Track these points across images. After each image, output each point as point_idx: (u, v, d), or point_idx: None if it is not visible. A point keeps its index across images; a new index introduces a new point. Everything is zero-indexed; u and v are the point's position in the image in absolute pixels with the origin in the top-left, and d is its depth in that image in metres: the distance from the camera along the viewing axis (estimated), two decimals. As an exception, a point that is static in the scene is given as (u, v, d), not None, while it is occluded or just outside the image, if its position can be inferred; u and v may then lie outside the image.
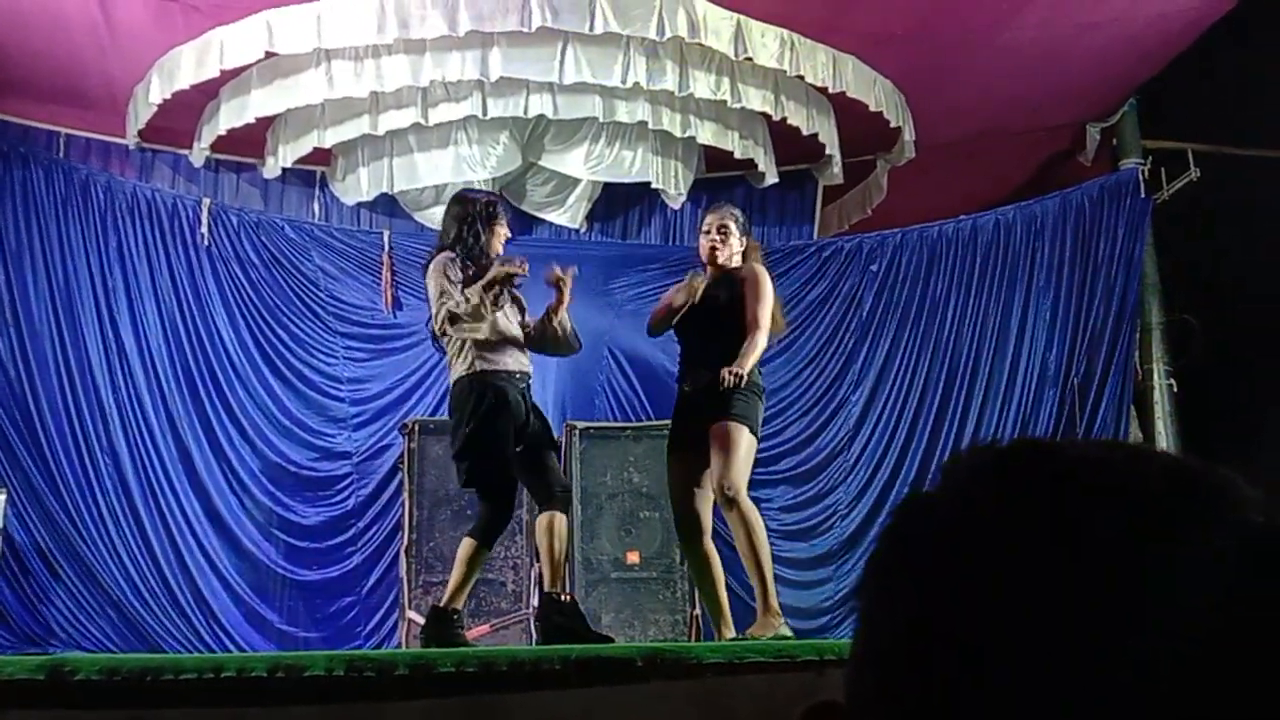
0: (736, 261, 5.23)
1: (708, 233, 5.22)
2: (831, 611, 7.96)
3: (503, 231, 5.29)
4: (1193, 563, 0.50)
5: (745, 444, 4.90)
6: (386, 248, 8.12)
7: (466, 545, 5.04)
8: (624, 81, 6.89)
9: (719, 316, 5.09)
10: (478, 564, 5.09)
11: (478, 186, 7.79)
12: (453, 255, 5.13)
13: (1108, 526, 0.51)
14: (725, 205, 5.52)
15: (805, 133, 7.55)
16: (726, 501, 4.83)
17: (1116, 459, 0.55)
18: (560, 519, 5.04)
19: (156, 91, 7.06)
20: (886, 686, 0.54)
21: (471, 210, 5.27)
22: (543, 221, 8.48)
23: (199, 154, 7.74)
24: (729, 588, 5.10)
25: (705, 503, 4.98)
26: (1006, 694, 0.49)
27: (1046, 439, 0.59)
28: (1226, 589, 0.49)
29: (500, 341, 5.08)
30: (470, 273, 5.08)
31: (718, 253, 5.19)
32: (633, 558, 7.45)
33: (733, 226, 5.24)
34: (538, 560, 7.30)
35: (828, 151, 7.81)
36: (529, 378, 5.20)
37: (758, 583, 4.90)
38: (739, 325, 5.05)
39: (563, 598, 5.05)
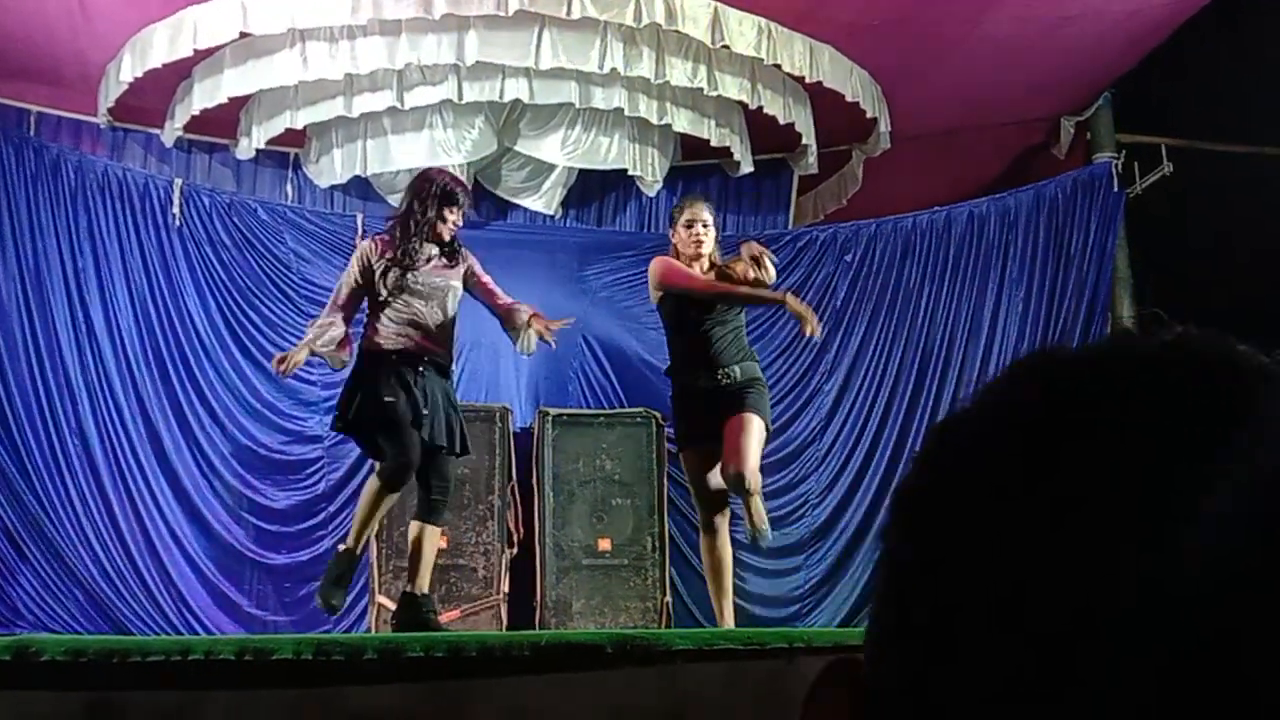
0: (716, 257, 5.38)
1: (690, 226, 5.28)
2: (801, 600, 7.99)
3: (453, 219, 5.27)
4: (1235, 491, 0.43)
5: (762, 436, 5.13)
6: (360, 230, 8.08)
7: (370, 485, 5.15)
8: (600, 68, 6.87)
9: (726, 311, 5.22)
10: (380, 506, 5.15)
11: (452, 170, 7.79)
12: (387, 235, 5.28)
13: (1141, 445, 0.45)
14: (701, 198, 5.68)
15: (781, 122, 7.56)
16: (747, 490, 4.96)
17: (1172, 359, 0.49)
18: (427, 530, 5.14)
19: (128, 69, 7.00)
20: (902, 621, 0.51)
21: (427, 189, 5.32)
22: (517, 207, 8.46)
23: (171, 134, 7.69)
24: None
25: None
26: (1020, 624, 0.45)
27: (1086, 344, 0.54)
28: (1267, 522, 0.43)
29: (400, 324, 5.16)
30: (400, 251, 5.14)
31: (703, 246, 5.29)
32: (604, 545, 7.46)
33: (710, 219, 5.37)
34: (509, 546, 7.34)
35: (803, 141, 7.82)
36: (422, 360, 5.18)
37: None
38: (734, 321, 5.25)
39: (408, 589, 5.21)
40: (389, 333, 5.14)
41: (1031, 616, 0.45)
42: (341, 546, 5.26)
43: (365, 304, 5.30)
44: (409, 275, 5.16)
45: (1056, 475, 0.46)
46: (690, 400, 5.18)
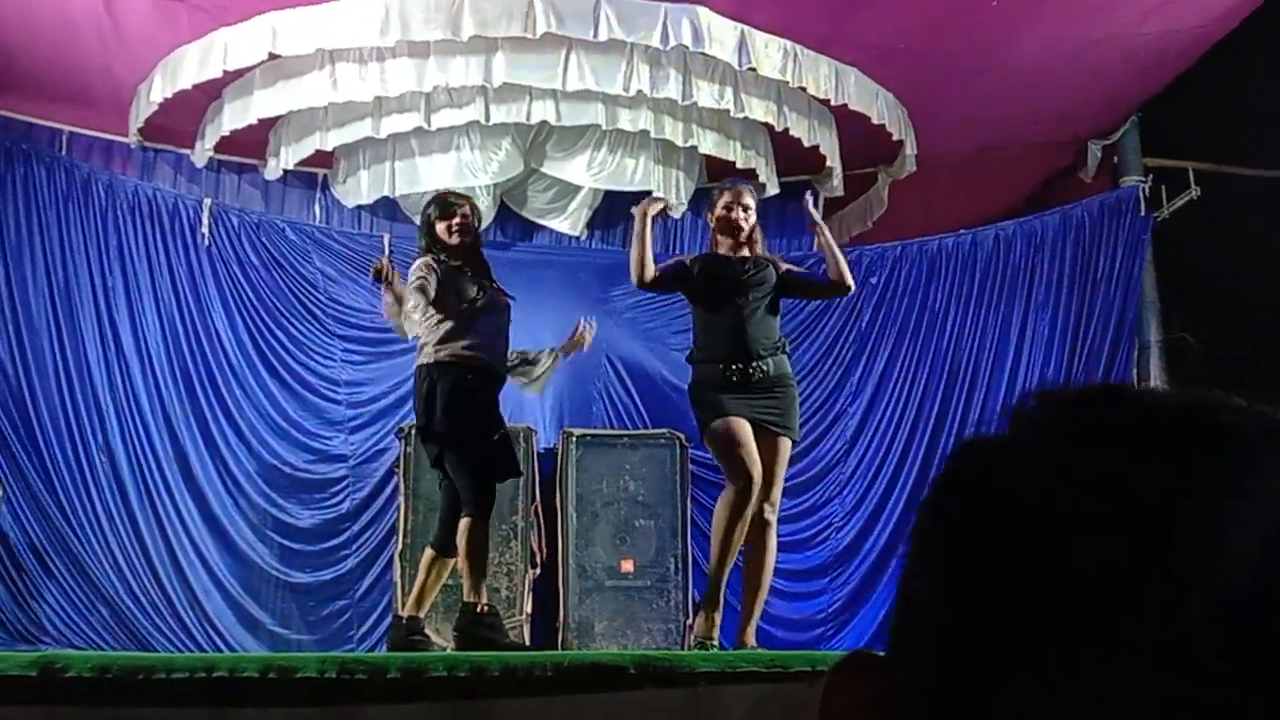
0: (760, 250, 5.18)
1: (729, 209, 5.09)
2: (825, 623, 7.96)
3: (448, 223, 5.27)
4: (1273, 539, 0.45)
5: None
6: (387, 251, 8.12)
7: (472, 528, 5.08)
8: (627, 89, 6.90)
9: (770, 300, 5.03)
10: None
11: (478, 191, 7.82)
12: (431, 259, 5.25)
13: (1166, 492, 0.47)
14: (743, 181, 5.52)
15: (807, 144, 7.56)
16: (765, 521, 4.85)
17: (1200, 408, 0.50)
18: (463, 524, 5.02)
19: (159, 90, 7.07)
20: (924, 646, 0.52)
21: (424, 212, 5.48)
22: (543, 228, 8.49)
23: (202, 154, 7.75)
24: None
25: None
26: (1037, 671, 0.46)
27: (1127, 384, 0.55)
28: None
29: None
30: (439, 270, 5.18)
31: (740, 232, 5.10)
32: (627, 566, 7.45)
33: (752, 204, 5.18)
34: (532, 567, 7.34)
35: (829, 163, 7.82)
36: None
37: (754, 605, 4.92)
38: (776, 313, 5.07)
39: (480, 608, 5.05)
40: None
41: (1097, 636, 0.45)
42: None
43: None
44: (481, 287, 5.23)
45: (1145, 501, 0.47)
46: (716, 387, 4.90)
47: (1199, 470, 0.47)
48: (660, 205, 5.38)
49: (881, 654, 0.55)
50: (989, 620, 0.48)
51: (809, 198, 5.35)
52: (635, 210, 5.16)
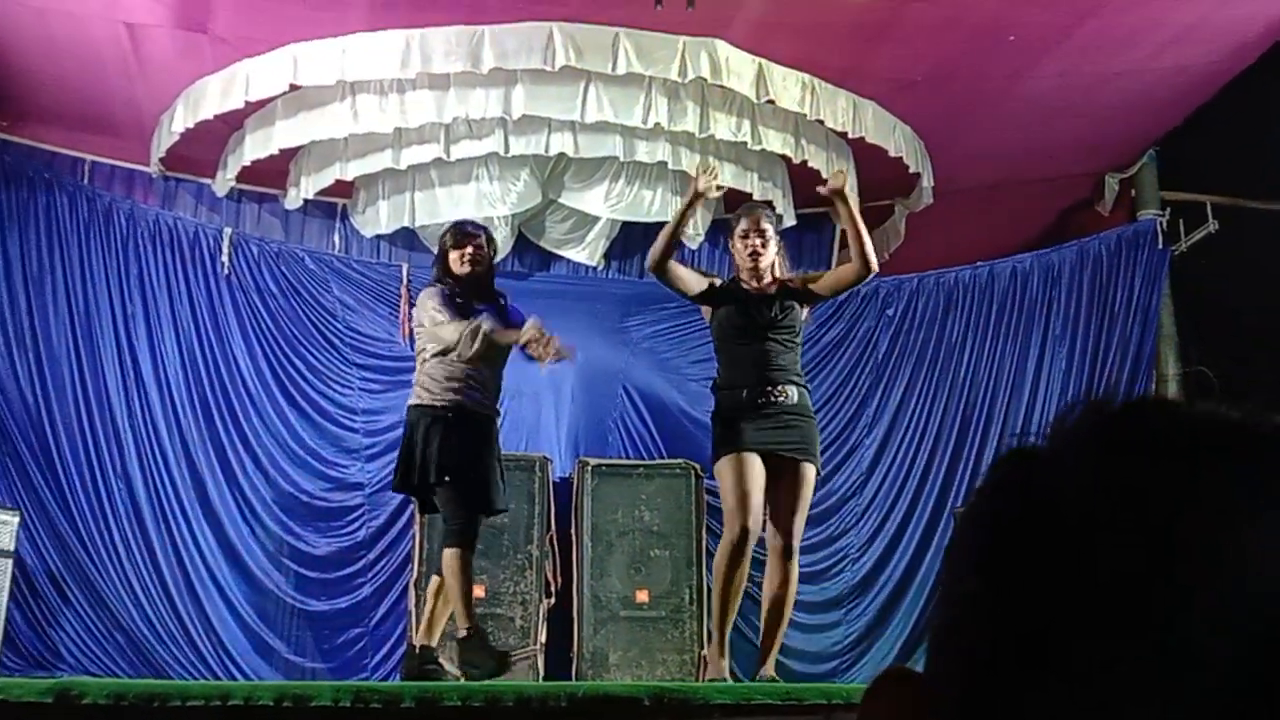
0: (780, 271, 5.02)
1: (745, 236, 4.96)
2: (841, 656, 7.92)
3: (461, 252, 5.26)
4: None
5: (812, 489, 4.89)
6: (405, 280, 8.16)
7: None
8: (645, 122, 6.93)
9: (794, 334, 4.95)
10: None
11: (496, 222, 7.86)
12: (439, 288, 5.25)
13: (1176, 501, 0.48)
14: (759, 206, 5.42)
15: (824, 176, 7.58)
16: (788, 551, 4.75)
17: (1219, 421, 0.52)
18: (446, 555, 5.01)
19: (181, 120, 7.13)
20: (957, 653, 0.53)
21: (440, 239, 5.48)
22: (561, 258, 8.52)
23: (223, 184, 7.81)
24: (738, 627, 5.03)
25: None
26: (1068, 680, 0.47)
27: (1166, 399, 0.56)
28: None
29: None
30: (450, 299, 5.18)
31: (761, 259, 4.94)
32: (642, 596, 7.43)
33: (769, 228, 5.03)
34: (547, 596, 7.34)
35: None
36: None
37: (773, 637, 4.85)
38: (799, 345, 4.98)
39: (460, 633, 5.03)
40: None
41: (1127, 651, 0.46)
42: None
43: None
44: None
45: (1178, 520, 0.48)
46: (737, 411, 4.79)
47: (1208, 479, 0.49)
48: (714, 182, 5.12)
49: (918, 671, 0.56)
50: (1023, 624, 0.49)
51: (840, 175, 5.01)
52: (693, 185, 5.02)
